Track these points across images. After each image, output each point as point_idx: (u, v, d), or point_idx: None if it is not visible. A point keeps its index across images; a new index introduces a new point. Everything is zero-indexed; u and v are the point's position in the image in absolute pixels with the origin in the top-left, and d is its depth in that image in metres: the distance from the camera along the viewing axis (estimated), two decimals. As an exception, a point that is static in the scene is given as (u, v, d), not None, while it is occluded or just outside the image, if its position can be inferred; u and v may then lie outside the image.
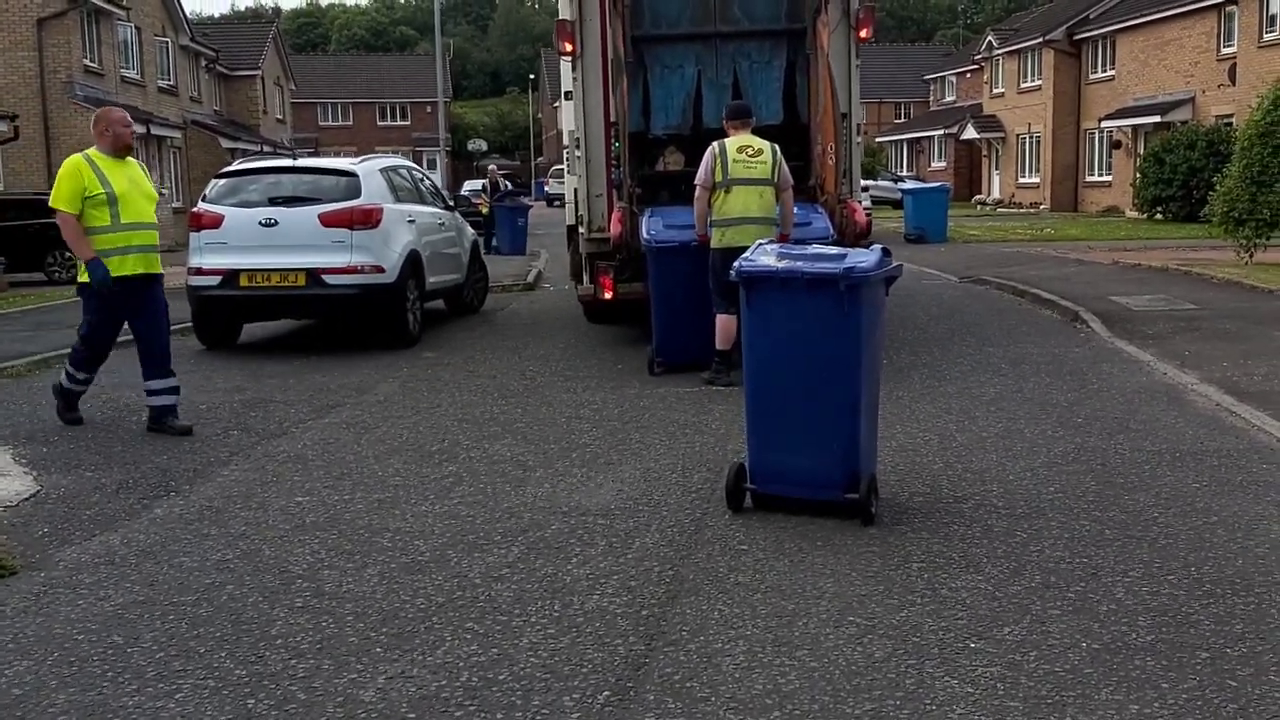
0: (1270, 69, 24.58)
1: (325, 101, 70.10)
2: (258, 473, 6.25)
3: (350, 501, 5.62)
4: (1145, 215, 30.38)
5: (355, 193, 10.30)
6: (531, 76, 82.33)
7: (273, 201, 10.22)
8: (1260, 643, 3.67)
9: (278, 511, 5.49)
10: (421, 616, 4.08)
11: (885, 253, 5.05)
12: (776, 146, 8.05)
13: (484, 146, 69.36)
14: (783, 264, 4.91)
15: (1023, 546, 4.67)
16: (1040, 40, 39.15)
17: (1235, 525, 4.87)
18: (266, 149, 35.82)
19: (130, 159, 7.26)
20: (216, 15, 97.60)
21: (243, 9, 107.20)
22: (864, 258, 4.97)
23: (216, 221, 10.13)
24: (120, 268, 6.96)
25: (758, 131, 8.53)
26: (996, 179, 44.70)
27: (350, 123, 70.84)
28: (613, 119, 9.49)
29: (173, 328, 11.51)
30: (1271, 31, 27.78)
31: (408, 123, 70.78)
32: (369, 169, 10.90)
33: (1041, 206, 38.97)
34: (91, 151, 7.10)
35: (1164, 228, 26.91)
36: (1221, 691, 3.35)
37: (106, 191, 6.89)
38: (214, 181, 10.80)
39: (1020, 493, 5.42)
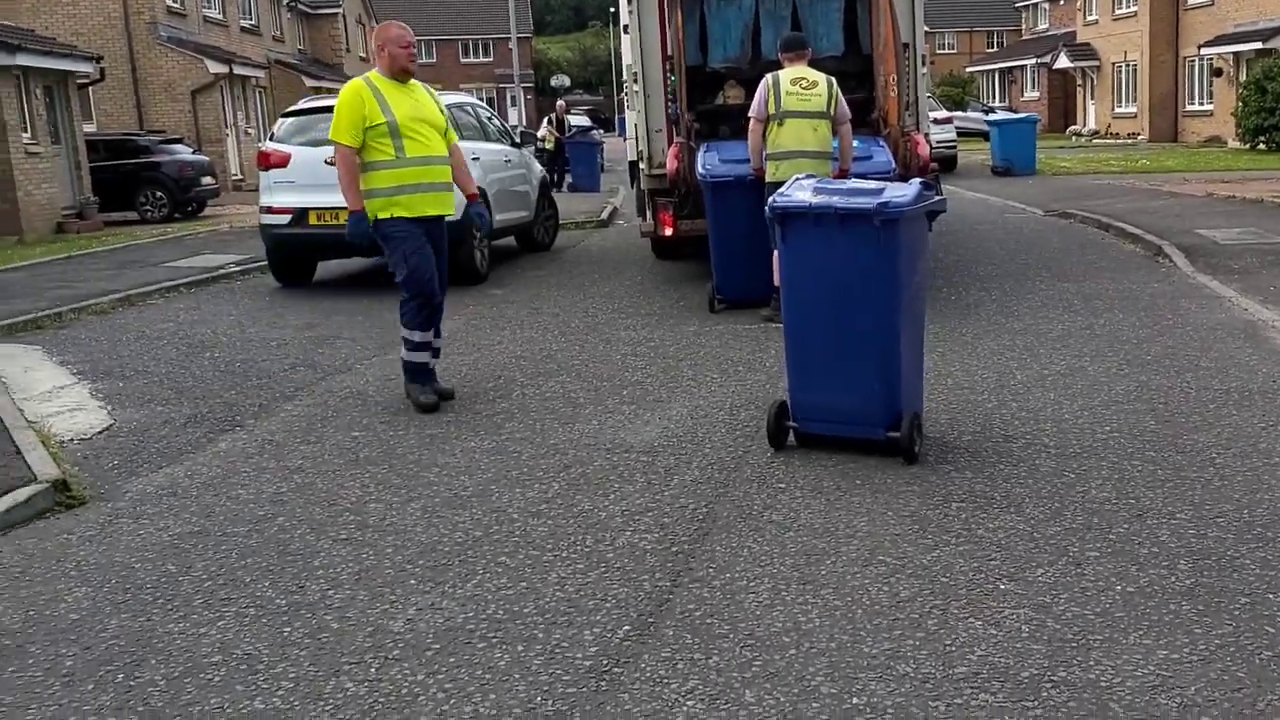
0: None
1: (409, 39, 70.26)
2: (319, 408, 6.40)
3: (404, 437, 5.73)
4: (1248, 145, 29.12)
5: (419, 130, 10.31)
6: (613, 10, 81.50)
7: (338, 140, 10.29)
8: (1305, 588, 3.56)
9: (334, 446, 5.62)
10: (457, 550, 4.16)
11: (926, 186, 4.93)
12: (833, 79, 7.86)
13: (567, 82, 68.93)
14: (817, 199, 4.82)
15: (1069, 487, 4.57)
16: (1139, -38, 37.50)
17: (1297, 467, 4.70)
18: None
19: (415, 83, 6.30)
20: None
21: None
22: (902, 191, 4.86)
23: (284, 160, 10.27)
24: (409, 208, 6.10)
25: (818, 64, 8.35)
26: (1092, 109, 43.16)
27: (434, 60, 70.83)
28: (669, 53, 9.37)
29: (248, 266, 11.95)
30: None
31: (491, 59, 70.69)
32: (435, 107, 10.89)
33: (1140, 137, 37.57)
34: (372, 74, 6.19)
35: (1267, 158, 25.78)
36: (1257, 638, 3.26)
37: (388, 120, 5.99)
38: (281, 120, 10.94)
39: (1074, 432, 5.29)
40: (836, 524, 4.26)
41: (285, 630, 3.57)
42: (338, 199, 9.95)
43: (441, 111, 6.37)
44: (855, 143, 8.18)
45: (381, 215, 6.12)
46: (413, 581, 3.90)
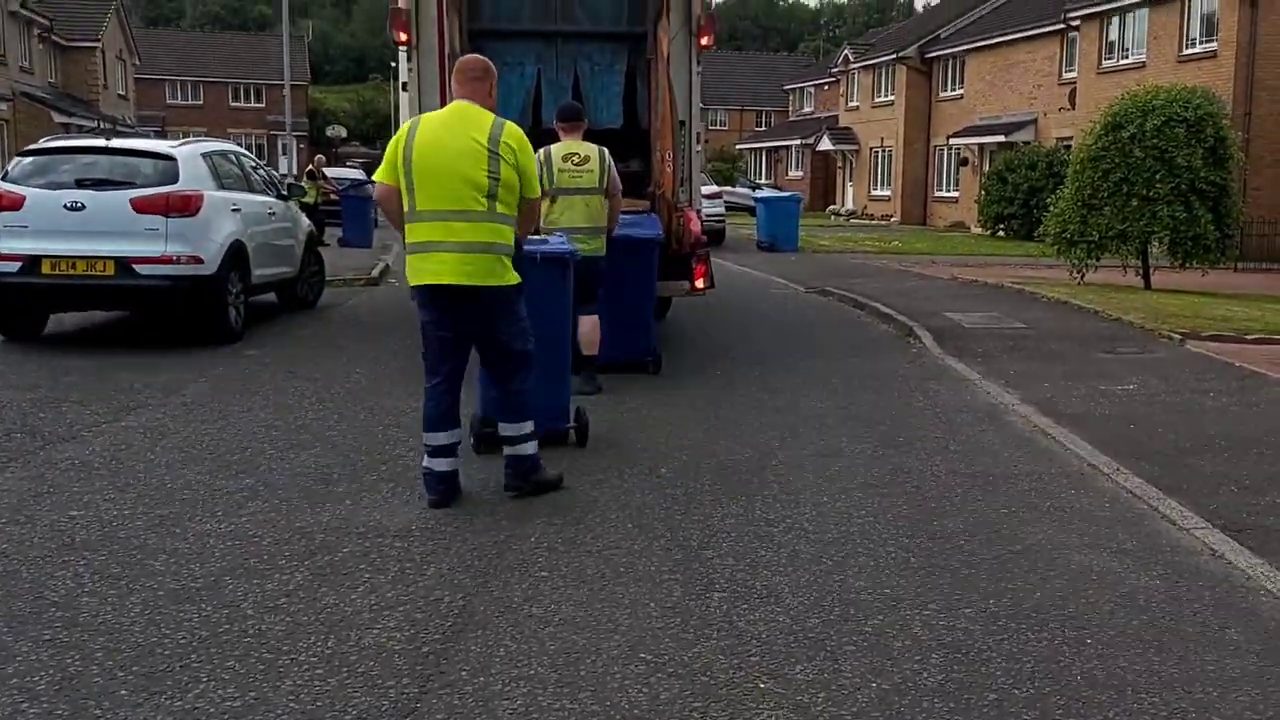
0: (1108, 95, 25.68)
1: (174, 79, 67.17)
2: (34, 482, 5.75)
3: (130, 517, 5.20)
4: (989, 232, 31.46)
5: (173, 177, 9.73)
6: (394, 64, 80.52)
7: (81, 184, 9.56)
8: (1048, 683, 3.64)
9: (46, 528, 5.03)
10: (179, 653, 3.74)
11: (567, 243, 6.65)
12: (605, 151, 7.88)
13: (343, 133, 67.37)
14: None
15: (826, 575, 4.59)
16: (894, 57, 40.26)
17: (1038, 554, 4.89)
18: (104, 125, 34.04)
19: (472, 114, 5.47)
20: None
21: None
22: (547, 243, 6.56)
23: (17, 203, 9.41)
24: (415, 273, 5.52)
25: (598, 135, 8.36)
26: (850, 190, 45.77)
27: (200, 102, 68.05)
28: None
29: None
30: (1110, 58, 29.06)
31: (262, 105, 68.42)
32: (190, 152, 10.31)
33: (893, 219, 40.02)
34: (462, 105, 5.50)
35: (1005, 245, 27.89)
36: (1004, 736, 3.29)
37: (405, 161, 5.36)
38: (17, 159, 10.07)
39: (832, 516, 5.35)
40: (598, 618, 4.09)
41: (-39, 757, 3.08)
42: (78, 247, 9.37)
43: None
44: (627, 217, 8.21)
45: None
46: (124, 692, 3.46)
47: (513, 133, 5.38)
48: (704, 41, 9.64)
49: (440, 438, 5.51)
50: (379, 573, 4.54)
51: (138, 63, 47.54)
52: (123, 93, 44.06)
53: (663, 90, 9.28)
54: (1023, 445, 6.86)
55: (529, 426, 5.64)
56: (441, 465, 5.50)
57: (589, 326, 7.82)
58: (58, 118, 31.89)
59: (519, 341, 5.55)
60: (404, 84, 9.86)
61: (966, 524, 5.28)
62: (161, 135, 30.91)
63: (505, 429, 5.67)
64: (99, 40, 39.62)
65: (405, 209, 5.38)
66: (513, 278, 5.47)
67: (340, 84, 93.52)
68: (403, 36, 9.36)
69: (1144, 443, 6.84)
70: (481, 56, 5.76)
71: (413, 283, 5.48)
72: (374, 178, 5.71)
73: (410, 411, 7.45)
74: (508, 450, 5.66)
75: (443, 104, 9.18)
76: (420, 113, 9.35)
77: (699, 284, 9.77)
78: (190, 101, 67.82)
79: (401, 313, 12.04)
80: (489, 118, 5.38)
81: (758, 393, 8.33)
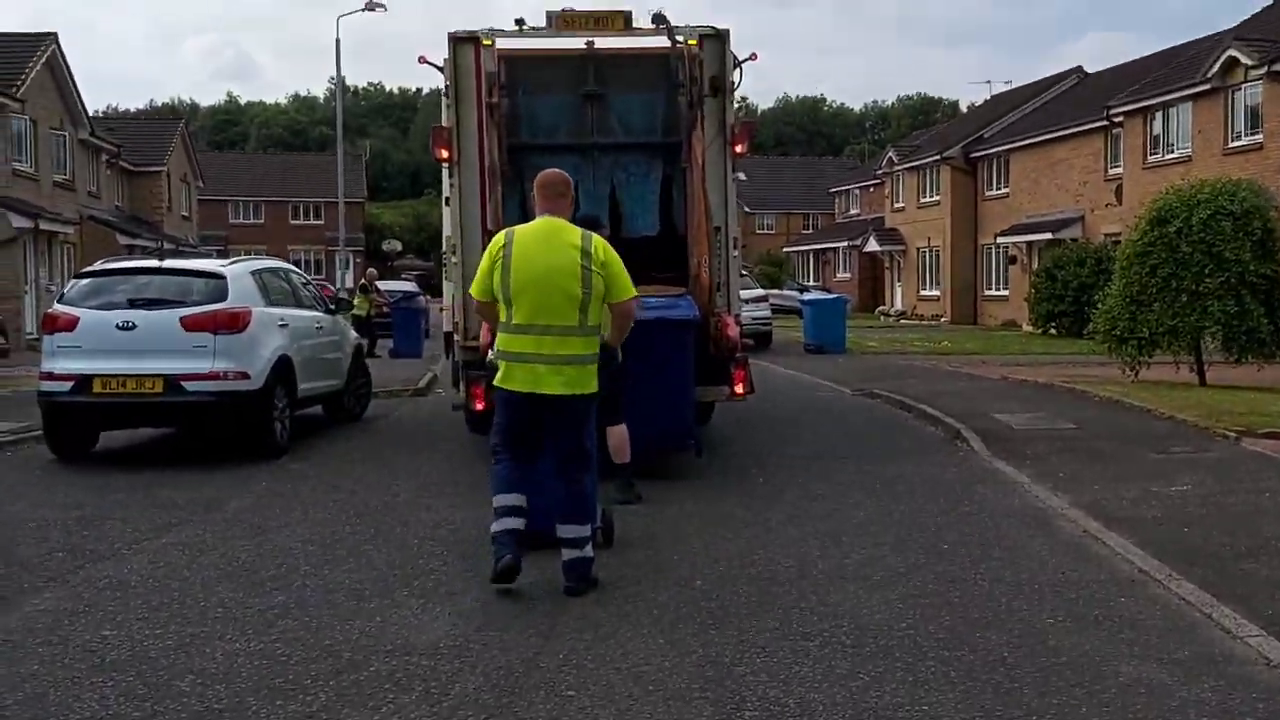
0: (1155, 189, 25.61)
1: (237, 199, 69.38)
2: (71, 601, 5.78)
3: (161, 636, 5.19)
4: (1040, 330, 31.13)
5: (222, 295, 9.97)
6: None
7: (133, 304, 9.82)
8: (1092, 806, 3.46)
9: (78, 648, 5.04)
10: (196, 779, 3.68)
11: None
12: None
13: (398, 247, 69.05)
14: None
15: (863, 691, 4.43)
16: (938, 158, 40.54)
17: (1085, 666, 4.70)
18: (168, 246, 35.13)
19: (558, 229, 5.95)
20: (133, 110, 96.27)
21: (160, 104, 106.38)
22: None
23: (71, 324, 9.69)
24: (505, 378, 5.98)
25: (633, 243, 8.47)
26: (899, 291, 45.72)
27: (262, 221, 70.10)
28: (489, 227, 9.35)
29: (23, 435, 11.01)
30: (1155, 153, 29.00)
31: (321, 221, 70.17)
32: (238, 271, 10.58)
33: (942, 319, 39.82)
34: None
35: (1057, 342, 27.56)
36: None
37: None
38: (73, 281, 10.38)
39: (871, 629, 5.20)
40: (622, 740, 3.98)
41: None
42: (127, 365, 9.57)
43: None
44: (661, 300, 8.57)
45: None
46: (136, 821, 3.40)
47: (599, 244, 5.81)
48: (739, 149, 9.77)
49: (510, 498, 5.80)
50: (404, 692, 4.46)
51: (201, 185, 49.18)
52: (186, 213, 45.50)
53: (697, 198, 9.39)
54: (1071, 551, 6.66)
55: (589, 529, 5.79)
56: (511, 523, 5.75)
57: (618, 437, 7.77)
58: (122, 239, 32.94)
59: (588, 440, 5.88)
60: (446, 198, 10.10)
61: (1010, 635, 5.10)
62: (224, 254, 31.86)
63: (567, 531, 5.77)
64: (164, 165, 41.08)
65: (501, 319, 5.76)
66: (594, 386, 5.82)
67: (397, 199, 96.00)
68: (444, 154, 9.63)
69: (1198, 547, 6.61)
70: (562, 172, 6.11)
71: (501, 385, 5.82)
72: (471, 291, 6.12)
73: (447, 524, 7.47)
74: (569, 554, 5.74)
75: (484, 216, 9.43)
76: (462, 225, 9.64)
77: (739, 389, 9.73)
78: (252, 220, 69.89)
79: (445, 423, 12.14)
80: (577, 232, 5.81)
81: (800, 499, 8.21)
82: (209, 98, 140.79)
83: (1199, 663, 4.73)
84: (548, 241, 5.73)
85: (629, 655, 4.87)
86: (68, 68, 31.36)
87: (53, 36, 30.32)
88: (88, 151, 34.04)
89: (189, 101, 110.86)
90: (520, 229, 5.99)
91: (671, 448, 8.79)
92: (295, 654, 4.93)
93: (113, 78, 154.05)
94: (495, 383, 5.90)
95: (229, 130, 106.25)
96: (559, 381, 5.67)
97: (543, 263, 5.67)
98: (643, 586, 5.90)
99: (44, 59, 29.25)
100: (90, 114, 34.72)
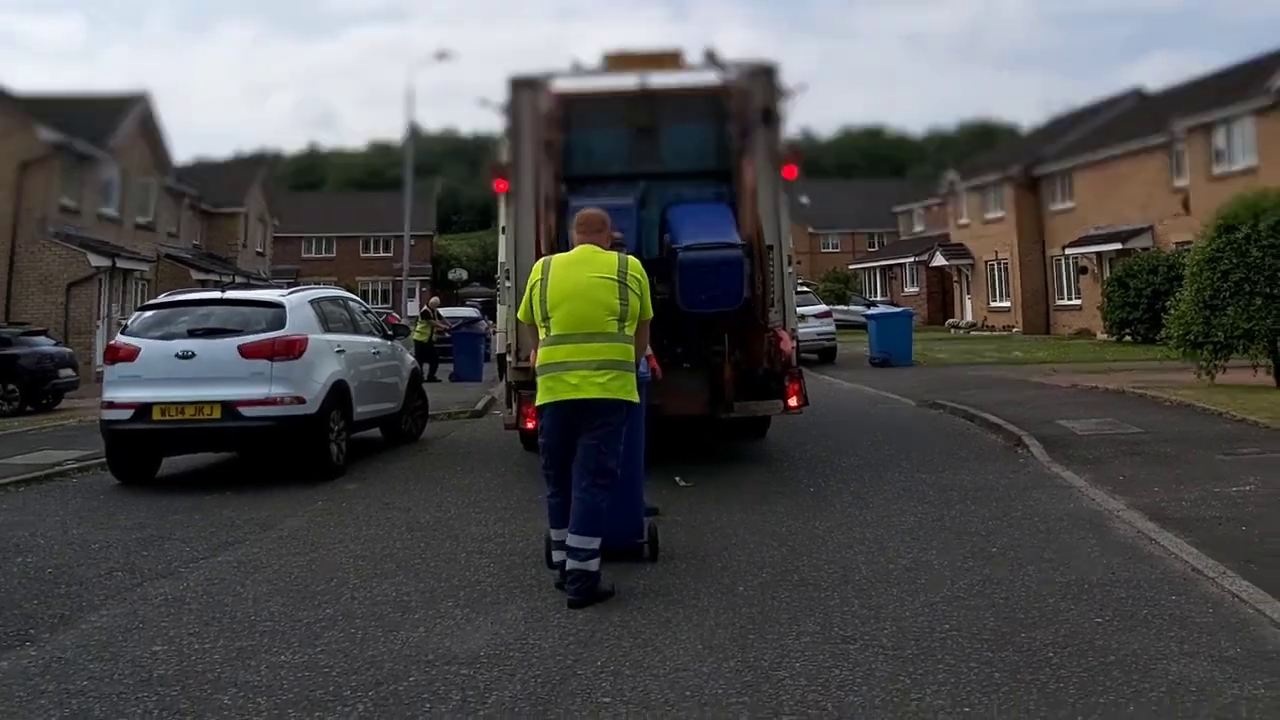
0: (1222, 200, 25.05)
1: (310, 236, 70.85)
2: (126, 618, 5.91)
3: (209, 651, 5.28)
4: (1114, 338, 30.50)
5: (280, 323, 10.17)
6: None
7: (193, 334, 10.06)
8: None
9: (128, 663, 5.14)
10: (228, 783, 3.73)
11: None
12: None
13: (464, 275, 69.83)
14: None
15: (903, 694, 4.35)
16: (999, 177, 40.08)
17: (1132, 665, 4.57)
18: (239, 279, 35.94)
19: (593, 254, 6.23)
20: (221, 159, 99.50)
21: (247, 153, 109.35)
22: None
23: (132, 354, 9.95)
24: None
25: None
26: (969, 303, 45.10)
27: (333, 255, 71.46)
28: (543, 252, 9.47)
29: (88, 462, 11.29)
30: (1220, 164, 28.41)
31: (390, 254, 71.31)
32: (297, 300, 10.79)
33: (1014, 329, 39.17)
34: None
35: (1132, 349, 26.95)
36: None
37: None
38: (137, 313, 10.65)
39: (913, 631, 5.11)
40: (651, 743, 3.95)
41: None
42: (186, 393, 9.79)
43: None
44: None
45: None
46: (168, 824, 3.45)
47: (635, 264, 6.08)
48: (789, 174, 9.85)
49: (561, 534, 5.93)
50: (441, 701, 4.48)
51: (278, 223, 50.30)
52: (260, 250, 46.53)
53: (748, 216, 9.50)
54: (1123, 551, 6.49)
55: (597, 543, 5.75)
56: (560, 557, 5.91)
57: None
58: (196, 275, 33.74)
59: (613, 459, 5.90)
60: (502, 228, 10.32)
61: (1056, 635, 4.98)
62: (294, 285, 32.66)
63: (573, 540, 5.77)
64: (243, 206, 42.19)
65: (541, 337, 5.97)
66: (634, 395, 5.94)
67: (466, 232, 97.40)
68: (501, 187, 9.87)
69: (1254, 544, 6.39)
70: (599, 211, 6.39)
71: (542, 402, 5.94)
72: (518, 315, 6.40)
73: (495, 538, 7.51)
74: (573, 564, 5.74)
75: (537, 244, 9.58)
76: (517, 253, 9.78)
77: (793, 402, 9.70)
78: (324, 254, 71.26)
79: (500, 443, 12.24)
80: (613, 255, 6.10)
81: (849, 507, 8.11)
82: (293, 146, 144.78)
83: (1251, 659, 4.57)
84: (584, 262, 6.03)
85: (667, 662, 4.85)
86: (159, 123, 32.97)
87: (145, 95, 31.94)
88: (171, 196, 35.26)
89: (274, 150, 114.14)
90: (558, 255, 6.30)
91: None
92: (338, 665, 4.98)
93: (205, 131, 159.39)
94: (537, 402, 6.01)
95: (311, 175, 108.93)
96: (597, 385, 5.80)
97: (578, 278, 5.95)
98: (684, 594, 5.87)
99: (135, 116, 30.60)
100: (179, 164, 36.23)
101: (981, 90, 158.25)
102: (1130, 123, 35.88)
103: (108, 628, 5.74)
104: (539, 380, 5.98)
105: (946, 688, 4.42)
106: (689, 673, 4.71)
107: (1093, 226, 35.41)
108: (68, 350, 21.10)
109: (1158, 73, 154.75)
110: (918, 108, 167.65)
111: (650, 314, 6.14)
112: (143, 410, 9.71)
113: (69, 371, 20.10)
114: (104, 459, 10.48)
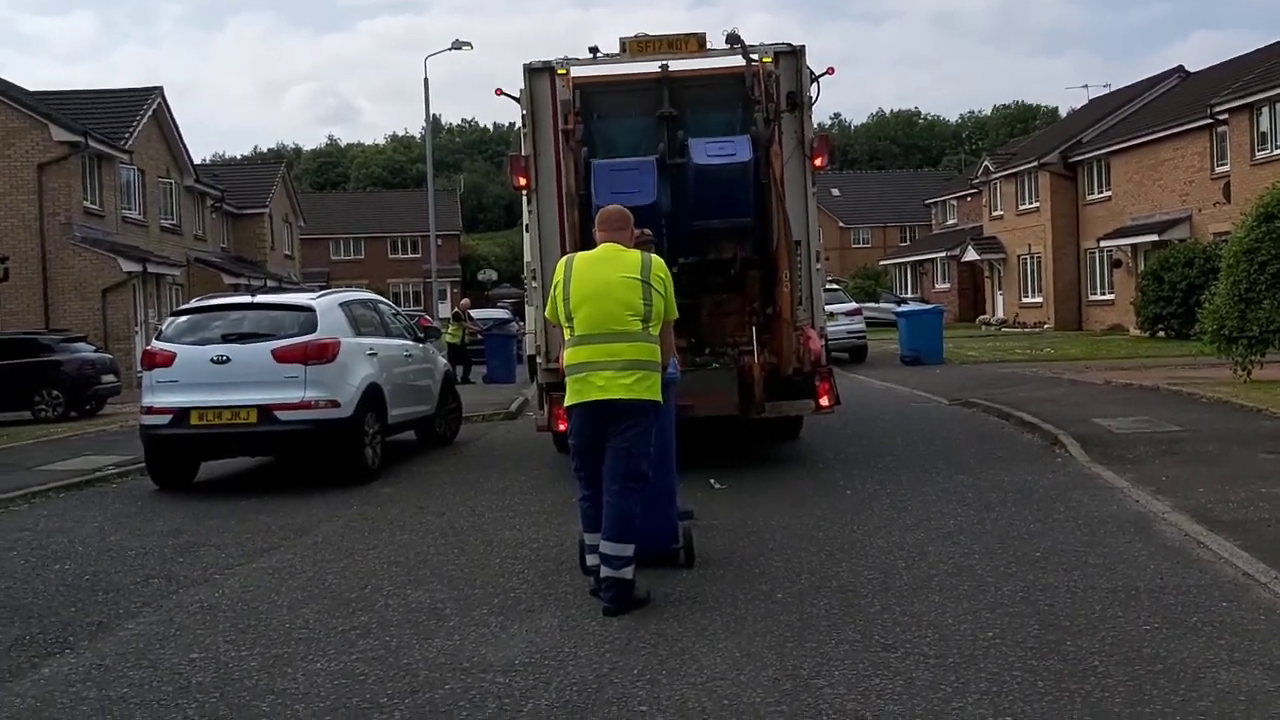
0: (1264, 185, 24.59)
1: (338, 237, 71.20)
2: (163, 625, 5.93)
3: (246, 658, 5.28)
4: (1147, 333, 30.13)
5: (311, 327, 10.20)
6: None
7: (226, 338, 10.10)
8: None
9: (167, 671, 5.15)
10: (267, 796, 3.72)
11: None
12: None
13: (494, 276, 69.97)
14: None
15: (944, 703, 4.28)
16: (1035, 164, 39.57)
17: (1180, 673, 4.48)
18: (271, 283, 36.19)
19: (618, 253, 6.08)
20: (239, 156, 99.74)
21: (265, 150, 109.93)
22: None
23: (169, 360, 10.00)
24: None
25: (720, 264, 8.49)
26: (1000, 299, 44.72)
27: (362, 256, 71.84)
28: (569, 250, 9.41)
29: (128, 467, 11.39)
30: (1264, 149, 27.89)
31: (418, 255, 71.64)
32: (328, 303, 10.81)
33: (1046, 326, 38.80)
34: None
35: (1165, 345, 26.62)
36: None
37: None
38: (171, 319, 10.72)
39: (955, 639, 5.03)
40: (691, 754, 3.90)
41: None
42: (223, 398, 9.83)
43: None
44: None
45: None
46: (208, 837, 3.44)
47: (659, 264, 5.93)
48: (818, 163, 9.70)
49: (593, 538, 5.89)
50: (477, 709, 4.46)
51: (303, 224, 50.61)
52: (289, 252, 46.82)
53: (776, 212, 9.35)
54: (1171, 556, 6.37)
55: (630, 550, 5.69)
56: (594, 560, 5.87)
57: None
58: (227, 279, 34.01)
59: (644, 462, 5.83)
60: (526, 225, 10.21)
61: (1102, 643, 4.89)
62: (326, 288, 32.73)
63: (607, 546, 5.71)
64: (266, 206, 42.42)
65: (566, 338, 5.90)
66: (659, 394, 5.86)
67: (493, 230, 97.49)
68: (522, 182, 9.76)
69: (1308, 548, 6.27)
70: (622, 208, 6.24)
71: (570, 403, 5.87)
72: (545, 315, 6.37)
73: (530, 543, 7.48)
74: (607, 571, 5.68)
75: (562, 242, 9.51)
76: (541, 251, 9.72)
77: (824, 401, 9.61)
78: (352, 256, 71.65)
79: (532, 445, 12.22)
80: (636, 254, 5.90)
81: (887, 511, 8.03)
82: (311, 142, 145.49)
83: (1305, 668, 4.47)
84: (607, 261, 5.89)
85: (704, 670, 4.80)
86: (173, 120, 32.74)
87: (158, 90, 31.67)
88: (193, 197, 35.36)
89: (292, 146, 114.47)
90: (580, 253, 6.18)
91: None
92: (373, 673, 4.96)
93: (220, 128, 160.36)
94: (565, 403, 5.96)
95: (330, 172, 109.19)
96: (623, 386, 5.71)
97: (601, 278, 5.83)
98: (721, 601, 5.82)
99: (150, 112, 30.54)
100: (197, 162, 36.12)
101: (1016, 73, 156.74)
102: (1172, 103, 35.24)
103: (145, 635, 5.76)
104: (568, 381, 5.93)
105: (989, 697, 4.34)
106: (726, 681, 4.65)
107: (1129, 217, 34.92)
108: (109, 356, 21.33)
109: (1196, 55, 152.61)
110: (952, 92, 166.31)
111: (675, 314, 6.02)
112: (181, 415, 9.77)
113: (111, 377, 20.34)
114: (143, 464, 10.55)
